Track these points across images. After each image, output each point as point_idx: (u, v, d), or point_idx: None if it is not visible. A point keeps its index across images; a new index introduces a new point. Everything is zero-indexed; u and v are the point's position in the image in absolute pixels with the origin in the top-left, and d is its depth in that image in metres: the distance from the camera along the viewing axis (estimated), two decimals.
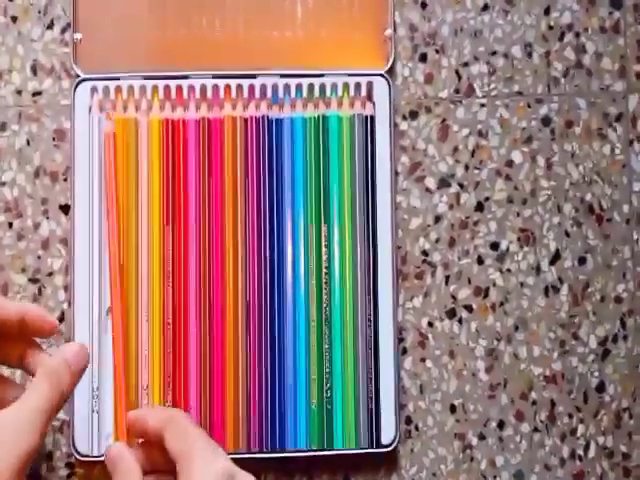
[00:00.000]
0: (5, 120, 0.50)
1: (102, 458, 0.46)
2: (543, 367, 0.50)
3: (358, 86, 0.50)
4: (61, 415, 0.48)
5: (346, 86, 0.50)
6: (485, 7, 0.51)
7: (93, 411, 0.47)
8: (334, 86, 0.50)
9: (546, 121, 0.51)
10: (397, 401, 0.48)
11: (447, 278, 0.50)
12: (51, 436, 0.49)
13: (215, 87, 0.49)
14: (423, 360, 0.50)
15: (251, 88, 0.49)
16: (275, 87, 0.49)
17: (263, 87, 0.49)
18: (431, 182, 0.51)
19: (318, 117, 0.49)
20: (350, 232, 0.49)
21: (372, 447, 0.48)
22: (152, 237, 0.48)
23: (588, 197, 0.51)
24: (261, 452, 0.48)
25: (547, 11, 0.52)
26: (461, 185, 0.51)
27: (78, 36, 0.49)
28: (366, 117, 0.49)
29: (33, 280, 0.49)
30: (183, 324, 0.48)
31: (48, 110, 0.50)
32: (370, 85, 0.50)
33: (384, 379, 0.48)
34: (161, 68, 0.49)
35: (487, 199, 0.51)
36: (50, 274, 0.49)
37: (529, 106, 0.51)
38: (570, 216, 0.51)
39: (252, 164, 0.49)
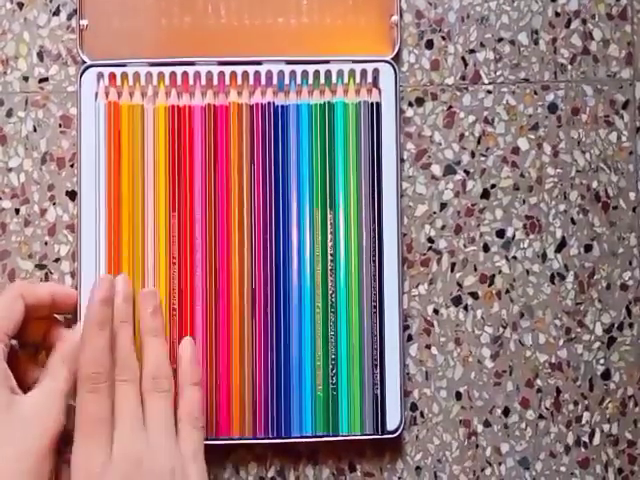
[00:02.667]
0: (12, 106, 0.50)
1: None
2: (549, 354, 0.50)
3: (364, 73, 0.49)
4: None
5: (352, 73, 0.49)
6: None
7: None
8: (340, 73, 0.49)
9: (552, 108, 0.51)
10: (402, 388, 0.48)
11: (453, 265, 0.50)
12: None
13: (221, 74, 0.49)
14: (428, 347, 0.50)
15: (257, 75, 0.49)
16: (281, 74, 0.49)
17: (269, 74, 0.49)
18: (437, 169, 0.51)
19: (324, 104, 0.49)
20: (356, 219, 0.49)
21: (377, 433, 0.48)
22: (158, 224, 0.48)
23: (594, 184, 0.51)
24: (267, 438, 0.48)
25: None
26: (467, 172, 0.51)
27: (84, 22, 0.49)
28: (372, 104, 0.49)
29: (40, 266, 0.49)
30: (189, 311, 0.48)
31: (54, 96, 0.50)
32: (376, 72, 0.49)
33: (389, 366, 0.48)
34: (167, 55, 0.49)
35: (493, 186, 0.51)
36: (57, 260, 0.49)
37: (535, 93, 0.51)
38: (576, 203, 0.51)
39: (258, 151, 0.49)
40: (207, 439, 0.47)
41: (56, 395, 0.43)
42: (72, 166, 0.50)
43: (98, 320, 0.44)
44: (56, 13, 0.50)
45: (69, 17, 0.50)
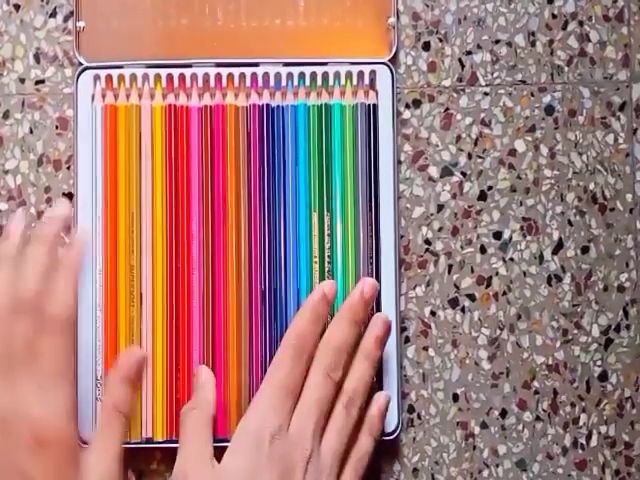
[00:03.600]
0: (8, 108, 0.50)
1: None
2: (546, 356, 0.50)
3: (361, 74, 0.49)
4: None
5: (349, 75, 0.49)
6: None
7: (96, 399, 0.47)
8: (337, 75, 0.49)
9: (549, 110, 0.51)
10: (399, 389, 0.48)
11: (450, 267, 0.50)
12: None
13: (218, 76, 0.49)
14: (426, 349, 0.50)
15: (254, 76, 0.49)
16: (278, 76, 0.49)
17: (266, 76, 0.49)
18: (434, 171, 0.51)
19: (321, 106, 0.49)
20: (353, 221, 0.49)
21: None
22: (155, 226, 0.48)
23: (591, 186, 0.51)
24: None
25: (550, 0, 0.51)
26: (464, 174, 0.51)
27: (81, 24, 0.49)
28: (369, 106, 0.49)
29: None
30: (186, 313, 0.48)
31: (51, 98, 0.50)
32: (373, 74, 0.49)
33: (387, 367, 0.48)
34: (164, 56, 0.49)
35: (490, 188, 0.51)
36: None
37: (532, 95, 0.51)
38: (573, 205, 0.51)
39: (255, 153, 0.49)
40: None
41: (116, 462, 0.43)
42: (69, 168, 0.50)
43: (318, 311, 0.45)
44: (53, 15, 0.50)
45: (65, 19, 0.50)
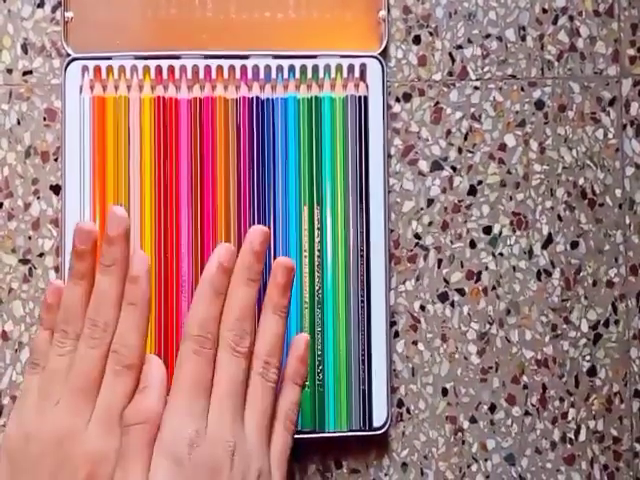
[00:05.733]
0: None
1: None
2: (535, 351, 0.50)
3: (351, 68, 0.49)
4: None
5: (339, 67, 0.49)
6: None
7: None
8: (327, 67, 0.49)
9: (539, 105, 0.51)
10: (389, 384, 0.48)
11: (439, 262, 0.50)
12: None
13: (207, 68, 0.49)
14: (415, 343, 0.50)
15: (243, 69, 0.49)
16: (268, 68, 0.49)
17: (255, 68, 0.49)
18: (424, 165, 0.51)
19: (311, 98, 0.49)
20: (343, 215, 0.49)
21: (364, 430, 0.48)
22: (144, 219, 0.48)
23: (581, 181, 0.51)
24: None
25: None
26: (454, 168, 0.51)
27: (69, 15, 0.49)
28: (359, 97, 0.49)
29: (23, 261, 0.49)
30: (175, 304, 0.48)
31: (39, 89, 0.49)
32: (363, 67, 0.49)
33: (376, 362, 0.48)
34: (153, 48, 0.49)
35: (480, 183, 0.51)
36: (41, 255, 0.49)
37: (522, 89, 0.51)
38: (563, 200, 0.51)
39: (244, 146, 0.49)
40: None
41: None
42: (56, 160, 0.49)
43: (216, 286, 0.41)
44: (40, 5, 0.50)
45: (53, 9, 0.50)
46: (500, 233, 0.51)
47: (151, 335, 0.47)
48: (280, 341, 0.42)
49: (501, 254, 0.51)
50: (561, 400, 0.50)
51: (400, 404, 0.50)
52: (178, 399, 0.39)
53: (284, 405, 0.42)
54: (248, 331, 0.41)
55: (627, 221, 0.51)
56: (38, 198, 0.49)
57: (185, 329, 0.40)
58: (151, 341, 0.47)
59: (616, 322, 0.51)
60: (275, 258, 0.47)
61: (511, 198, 0.51)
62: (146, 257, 0.41)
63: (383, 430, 0.48)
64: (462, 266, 0.50)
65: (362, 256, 0.49)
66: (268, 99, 0.49)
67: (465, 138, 0.51)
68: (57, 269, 0.49)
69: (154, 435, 0.39)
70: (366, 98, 0.49)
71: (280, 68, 0.49)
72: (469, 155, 0.51)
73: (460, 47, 0.51)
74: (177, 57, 0.49)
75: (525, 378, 0.50)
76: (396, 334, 0.50)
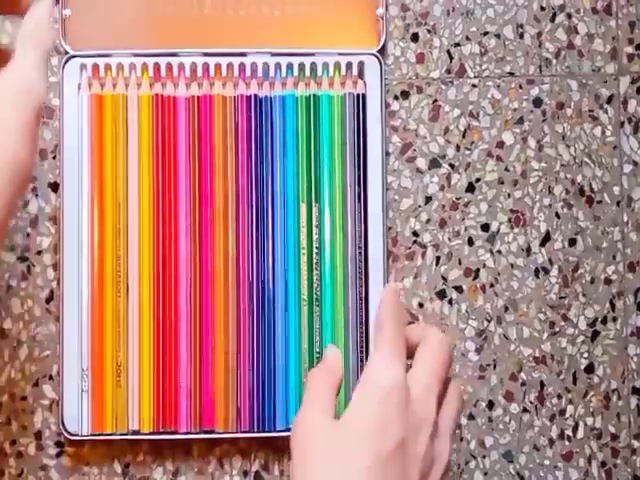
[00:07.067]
0: None
1: (91, 437, 0.46)
2: (533, 348, 0.50)
3: (349, 65, 0.49)
4: (50, 394, 0.48)
5: (337, 65, 0.49)
6: None
7: (82, 391, 0.47)
8: (325, 65, 0.49)
9: (537, 102, 0.51)
10: None
11: (437, 259, 0.50)
12: (40, 415, 0.48)
13: (205, 65, 0.49)
14: None
15: (241, 66, 0.49)
16: (266, 66, 0.49)
17: (254, 66, 0.49)
18: (422, 163, 0.51)
19: (309, 96, 0.49)
20: (341, 212, 0.49)
21: None
22: (142, 217, 0.48)
23: (579, 179, 0.51)
24: (251, 432, 0.48)
25: None
26: (452, 166, 0.51)
27: (67, 12, 0.49)
28: (357, 95, 0.49)
29: (22, 258, 0.49)
30: (173, 304, 0.48)
31: None
32: (361, 65, 0.49)
33: None
34: (151, 45, 0.49)
35: (478, 180, 0.51)
36: (39, 252, 0.49)
37: (520, 87, 0.51)
38: (560, 198, 0.51)
39: (242, 143, 0.49)
40: (189, 432, 0.47)
41: (37, 72, 0.37)
42: (54, 158, 0.49)
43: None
44: None
45: None
46: (498, 230, 0.51)
47: (150, 335, 0.47)
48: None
49: (499, 251, 0.51)
50: (559, 397, 0.50)
51: None
52: (385, 343, 0.42)
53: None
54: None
55: (625, 218, 0.51)
56: (36, 196, 0.49)
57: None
58: (151, 341, 0.47)
59: (614, 319, 0.51)
60: (274, 257, 0.47)
61: (509, 195, 0.51)
62: None
63: None
64: (460, 263, 0.50)
65: (360, 253, 0.49)
66: (266, 97, 0.49)
67: (463, 136, 0.51)
68: (55, 267, 0.49)
69: (335, 384, 0.43)
70: (364, 96, 0.49)
71: (278, 66, 0.49)
72: (467, 153, 0.51)
73: (458, 45, 0.51)
74: (175, 55, 0.49)
75: (523, 375, 0.50)
76: None
